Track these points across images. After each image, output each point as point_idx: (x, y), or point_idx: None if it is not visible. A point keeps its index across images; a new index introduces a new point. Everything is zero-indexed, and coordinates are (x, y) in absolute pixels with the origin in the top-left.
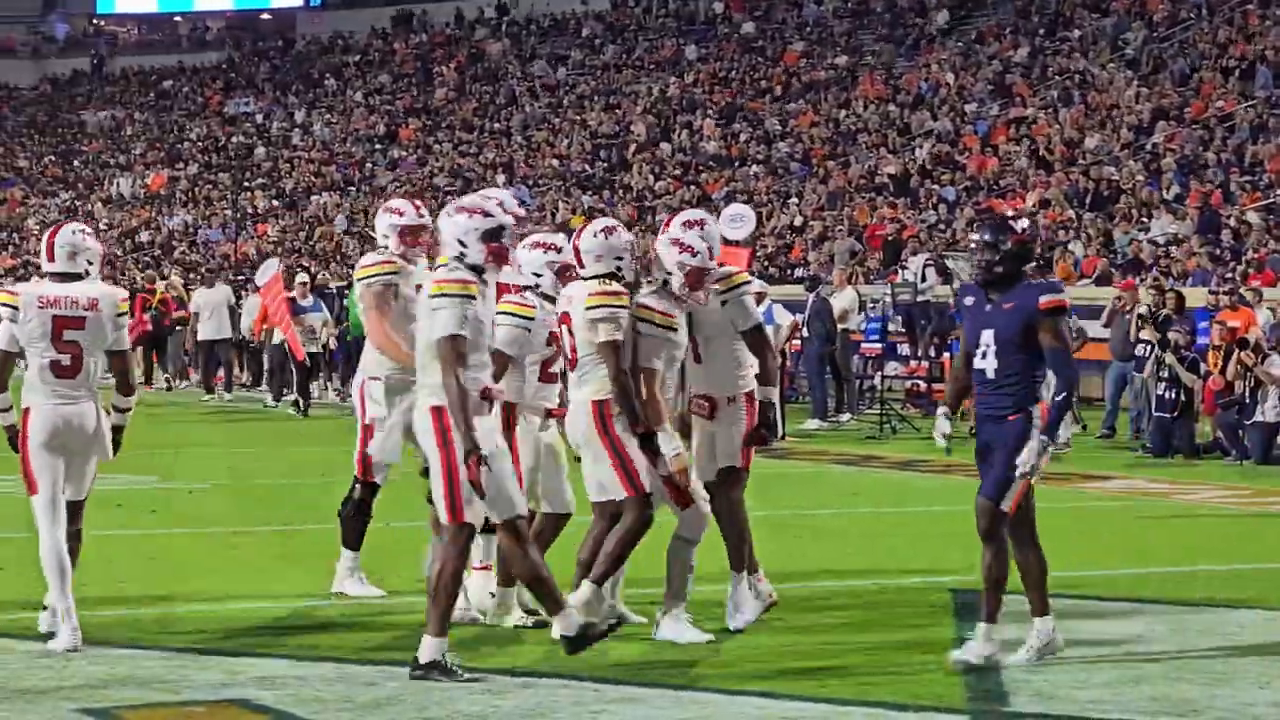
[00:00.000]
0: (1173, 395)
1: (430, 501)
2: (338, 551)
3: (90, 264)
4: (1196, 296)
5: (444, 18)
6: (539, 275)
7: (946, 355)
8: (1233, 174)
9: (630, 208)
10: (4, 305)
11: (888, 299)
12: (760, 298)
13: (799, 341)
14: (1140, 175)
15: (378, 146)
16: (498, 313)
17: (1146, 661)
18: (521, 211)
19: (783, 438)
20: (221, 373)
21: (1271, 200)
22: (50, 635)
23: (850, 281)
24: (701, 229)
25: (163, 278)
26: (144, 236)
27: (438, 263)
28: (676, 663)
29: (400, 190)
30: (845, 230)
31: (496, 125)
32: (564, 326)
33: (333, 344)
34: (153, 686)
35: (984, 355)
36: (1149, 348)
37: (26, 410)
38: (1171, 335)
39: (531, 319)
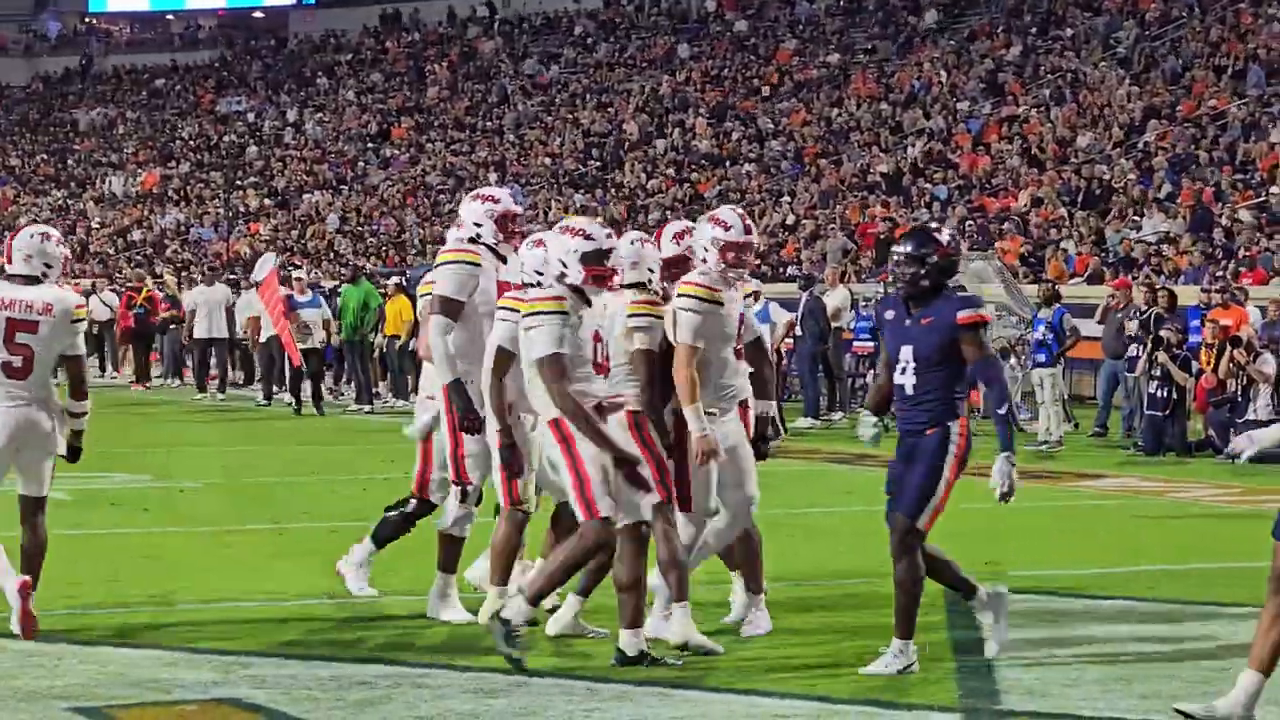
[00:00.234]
0: (1165, 393)
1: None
2: (330, 549)
3: (49, 268)
4: (1189, 295)
5: (436, 16)
6: (540, 274)
7: None
8: (1225, 172)
9: (622, 206)
10: None
11: (880, 297)
12: (755, 296)
13: (792, 340)
14: (1132, 174)
15: (370, 145)
16: (498, 308)
17: (1138, 660)
18: (519, 209)
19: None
20: (215, 371)
21: (1263, 198)
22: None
23: (842, 280)
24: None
25: (154, 276)
26: (136, 235)
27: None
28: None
29: (393, 189)
30: (837, 229)
31: (489, 124)
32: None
33: (335, 341)
34: (145, 685)
35: (903, 371)
36: (1141, 346)
37: None
38: (1164, 333)
39: None
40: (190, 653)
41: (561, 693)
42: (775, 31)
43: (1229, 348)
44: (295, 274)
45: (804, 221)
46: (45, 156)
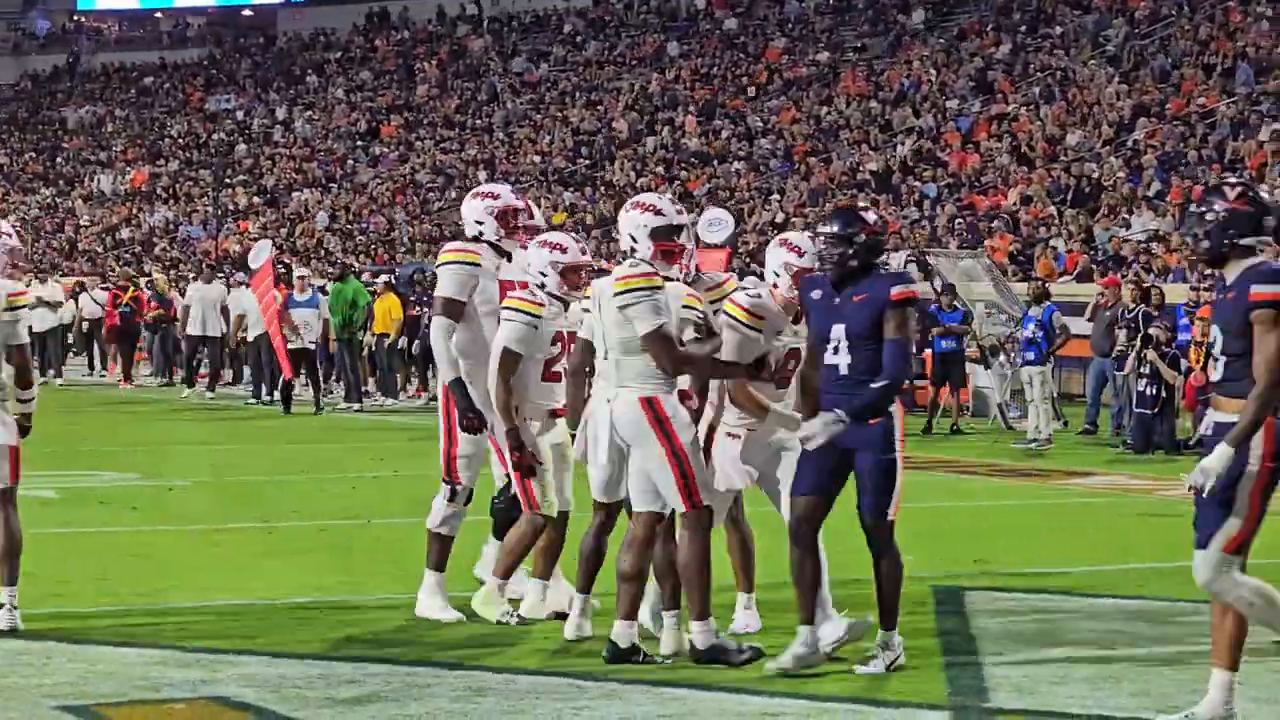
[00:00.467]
0: (1154, 391)
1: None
2: (319, 548)
3: None
4: (1178, 293)
5: (425, 14)
6: (544, 274)
7: (928, 351)
8: (1214, 170)
9: (611, 204)
10: None
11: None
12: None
13: None
14: (1121, 172)
15: (359, 143)
16: (503, 308)
17: (1127, 658)
18: (519, 204)
19: None
20: (204, 370)
21: None
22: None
23: None
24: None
25: (143, 274)
26: (125, 233)
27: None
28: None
29: (382, 188)
30: None
31: (478, 122)
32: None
33: (332, 346)
34: (133, 683)
35: (835, 350)
36: (1130, 344)
37: None
38: (1153, 331)
39: (539, 316)
40: (179, 651)
41: (549, 690)
42: (764, 30)
43: None
44: (297, 272)
45: (793, 220)
46: (34, 154)
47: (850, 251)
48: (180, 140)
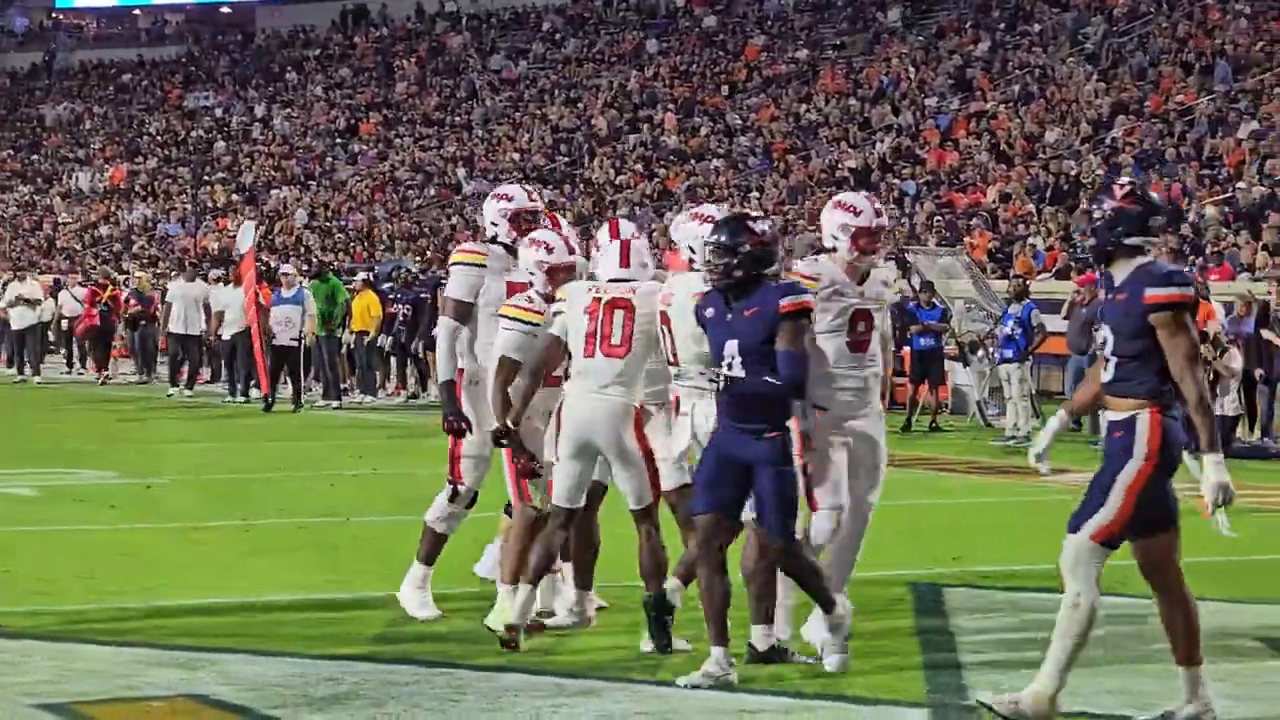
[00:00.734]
0: None
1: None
2: (298, 546)
3: None
4: None
5: (404, 11)
6: (533, 274)
7: (906, 349)
8: (1192, 168)
9: (590, 202)
10: None
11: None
12: None
13: None
14: (1100, 169)
15: (338, 141)
16: (499, 316)
17: (1105, 655)
18: (533, 205)
19: None
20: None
21: (1230, 194)
22: None
23: None
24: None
25: (121, 272)
26: (103, 230)
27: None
28: (635, 657)
29: (361, 185)
30: (806, 224)
31: (457, 119)
32: (664, 327)
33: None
34: (111, 681)
35: (729, 367)
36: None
37: None
38: None
39: (537, 325)
40: (157, 649)
41: (529, 689)
42: (744, 27)
43: None
44: (282, 269)
45: (772, 217)
46: (12, 152)
47: (735, 262)
48: (159, 138)
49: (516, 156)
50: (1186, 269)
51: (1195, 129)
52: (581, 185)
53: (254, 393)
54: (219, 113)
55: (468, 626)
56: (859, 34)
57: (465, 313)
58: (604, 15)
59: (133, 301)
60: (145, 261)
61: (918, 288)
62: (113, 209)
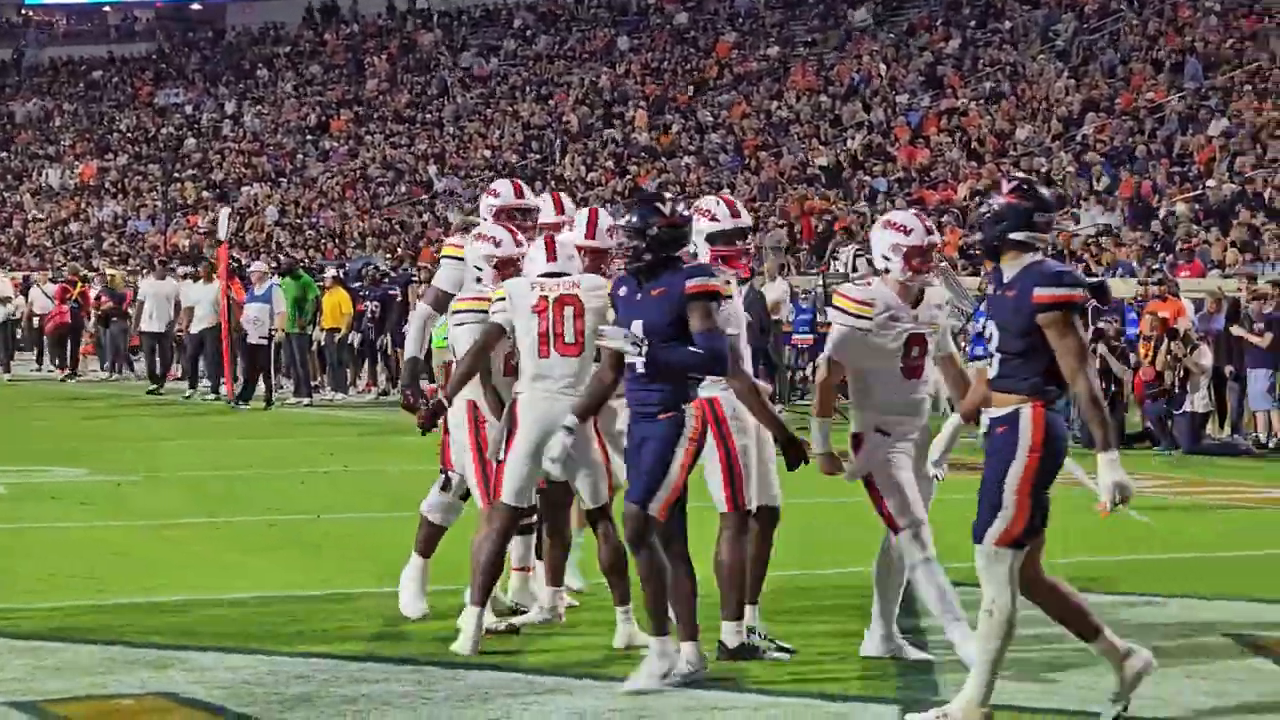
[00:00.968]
0: (1103, 385)
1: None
2: (269, 543)
3: None
4: (1127, 287)
5: (375, 8)
6: (480, 269)
7: None
8: (1163, 165)
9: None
10: None
11: (819, 290)
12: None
13: None
14: (1070, 166)
15: (309, 138)
16: (453, 311)
17: (1075, 651)
18: (521, 202)
19: None
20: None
21: (1200, 192)
22: None
23: (781, 273)
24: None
25: (92, 269)
26: (74, 227)
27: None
28: (606, 655)
29: (332, 182)
30: (778, 221)
31: (428, 116)
32: None
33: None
34: (81, 679)
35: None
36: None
37: None
38: (1101, 325)
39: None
40: (128, 646)
41: (499, 686)
42: (715, 24)
43: (1166, 340)
44: (253, 266)
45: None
46: None
47: (644, 245)
48: (129, 134)
49: (488, 154)
50: (1078, 269)
51: (1166, 126)
52: (553, 182)
53: (223, 390)
54: (189, 109)
55: (439, 625)
56: (830, 31)
57: (445, 303)
58: (575, 12)
59: (104, 299)
60: (115, 258)
61: None
62: (83, 206)
